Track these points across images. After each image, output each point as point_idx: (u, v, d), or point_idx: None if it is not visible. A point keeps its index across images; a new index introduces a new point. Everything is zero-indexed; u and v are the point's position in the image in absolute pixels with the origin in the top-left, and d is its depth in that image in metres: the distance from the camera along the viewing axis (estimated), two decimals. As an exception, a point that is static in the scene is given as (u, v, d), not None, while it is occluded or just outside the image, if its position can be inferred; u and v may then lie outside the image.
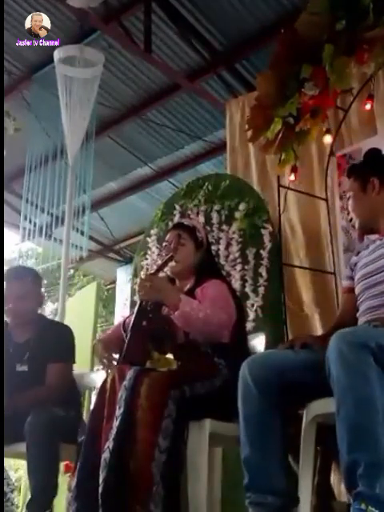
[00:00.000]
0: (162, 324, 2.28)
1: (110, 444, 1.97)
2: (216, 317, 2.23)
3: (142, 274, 4.16)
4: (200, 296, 2.35)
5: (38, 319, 2.99)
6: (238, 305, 2.44)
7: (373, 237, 2.21)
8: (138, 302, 2.37)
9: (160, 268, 2.41)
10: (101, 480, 1.93)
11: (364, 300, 2.05)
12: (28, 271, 3.10)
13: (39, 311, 3.10)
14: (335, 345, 1.62)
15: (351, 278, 2.21)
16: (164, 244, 2.60)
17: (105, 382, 2.20)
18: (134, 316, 2.33)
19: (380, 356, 1.57)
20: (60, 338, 2.91)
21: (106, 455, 1.96)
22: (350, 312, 2.15)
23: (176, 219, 4.16)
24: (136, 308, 2.36)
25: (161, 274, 2.42)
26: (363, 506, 1.45)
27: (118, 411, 2.02)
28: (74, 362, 2.95)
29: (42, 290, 3.22)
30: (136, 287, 2.71)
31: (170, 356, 2.22)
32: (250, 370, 1.83)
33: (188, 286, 2.46)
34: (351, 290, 2.19)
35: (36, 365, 2.80)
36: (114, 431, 1.99)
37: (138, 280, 2.49)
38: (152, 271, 2.45)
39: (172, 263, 2.45)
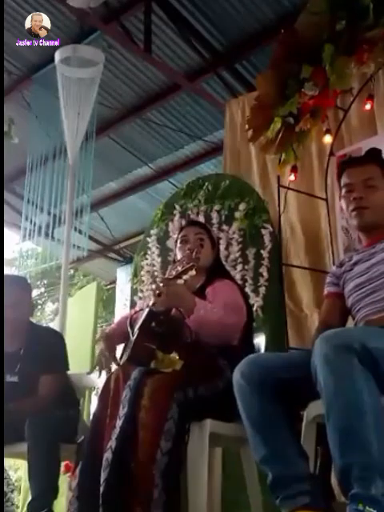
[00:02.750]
0: (170, 325, 2.26)
1: (112, 443, 1.96)
2: (229, 319, 2.23)
3: (144, 272, 4.15)
4: (211, 295, 2.34)
5: (28, 328, 2.96)
6: (248, 306, 2.43)
7: (357, 249, 2.21)
8: (150, 306, 2.31)
9: (179, 276, 2.29)
10: (102, 480, 1.92)
11: (361, 308, 2.05)
12: (17, 279, 3.08)
13: (30, 319, 3.05)
14: (320, 349, 1.62)
15: (335, 285, 2.20)
16: (182, 238, 2.55)
17: (108, 381, 2.18)
18: (143, 317, 2.30)
19: (364, 356, 1.56)
20: (51, 348, 2.89)
21: (108, 455, 1.95)
22: (334, 316, 2.15)
23: (176, 219, 4.16)
24: (146, 310, 2.31)
25: (179, 281, 2.28)
26: (361, 507, 1.45)
27: (122, 411, 2.01)
28: (67, 369, 2.94)
29: (32, 297, 3.19)
30: (138, 288, 2.59)
31: (174, 355, 2.21)
32: (241, 372, 1.82)
33: (199, 284, 2.45)
34: (336, 295, 2.18)
35: (27, 376, 2.78)
36: (116, 431, 1.98)
37: (151, 284, 2.37)
38: (170, 276, 2.33)
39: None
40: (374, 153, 2.26)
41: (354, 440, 1.50)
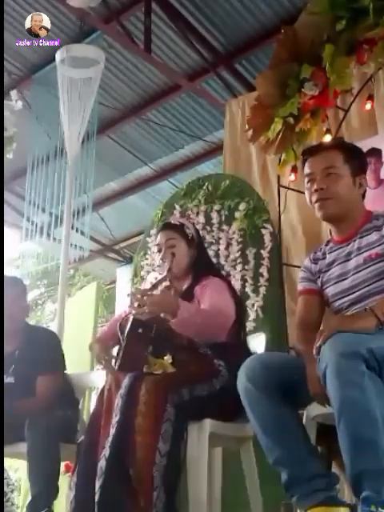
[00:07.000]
0: (159, 328, 2.24)
1: (105, 452, 1.97)
2: (214, 320, 2.21)
3: (144, 272, 4.15)
4: (199, 295, 2.32)
5: (23, 329, 2.95)
6: (238, 303, 2.40)
7: (329, 245, 2.10)
8: (133, 315, 2.28)
9: (154, 286, 2.33)
10: (97, 488, 1.93)
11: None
12: (12, 280, 3.07)
13: (25, 320, 3.05)
14: (328, 356, 1.61)
15: (311, 281, 2.10)
16: (156, 247, 2.53)
17: (102, 392, 2.19)
18: (129, 326, 2.26)
19: (371, 361, 1.57)
20: (47, 348, 2.88)
21: (102, 463, 1.96)
22: (313, 313, 2.06)
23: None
24: (131, 318, 2.29)
25: (155, 292, 2.32)
26: (373, 509, 1.47)
27: (115, 419, 2.01)
28: (63, 369, 2.93)
29: (27, 298, 3.17)
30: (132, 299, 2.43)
31: (167, 358, 2.19)
32: (247, 374, 1.82)
33: (186, 285, 2.43)
34: (313, 291, 2.09)
35: (23, 376, 2.78)
36: (110, 439, 1.98)
37: (132, 295, 2.35)
38: (146, 288, 2.37)
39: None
40: (335, 141, 2.18)
41: (365, 447, 1.52)
